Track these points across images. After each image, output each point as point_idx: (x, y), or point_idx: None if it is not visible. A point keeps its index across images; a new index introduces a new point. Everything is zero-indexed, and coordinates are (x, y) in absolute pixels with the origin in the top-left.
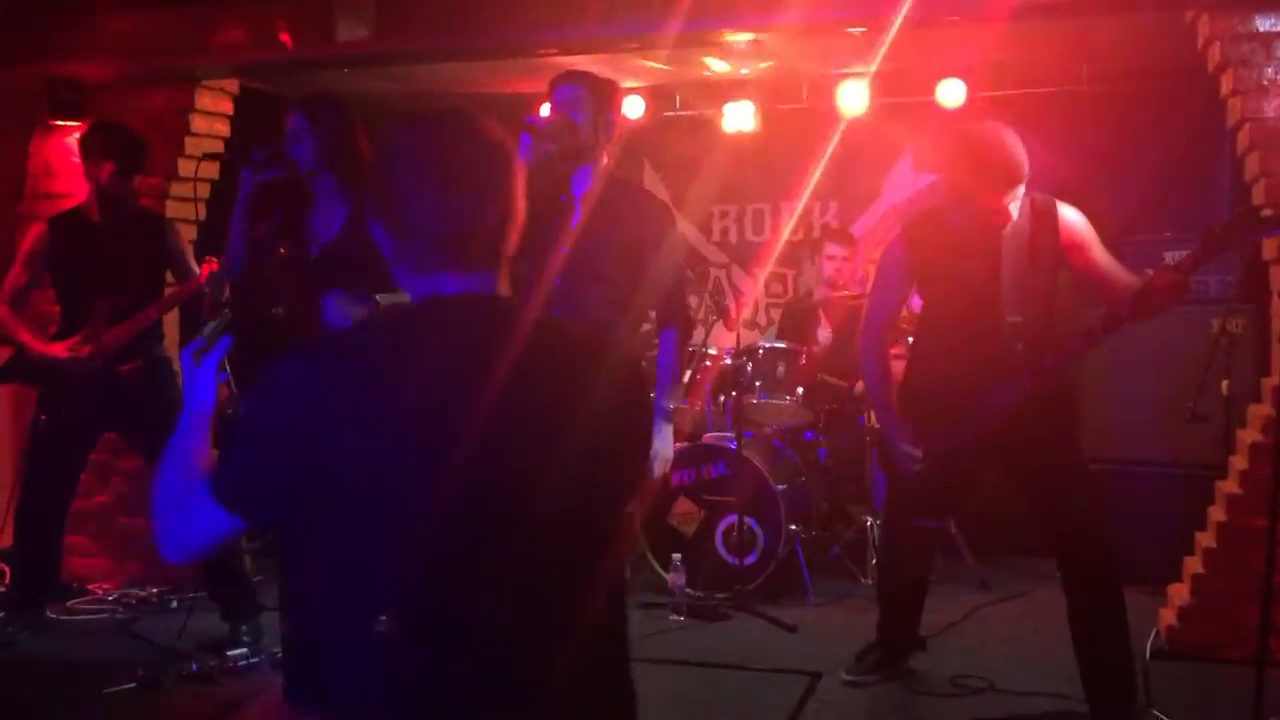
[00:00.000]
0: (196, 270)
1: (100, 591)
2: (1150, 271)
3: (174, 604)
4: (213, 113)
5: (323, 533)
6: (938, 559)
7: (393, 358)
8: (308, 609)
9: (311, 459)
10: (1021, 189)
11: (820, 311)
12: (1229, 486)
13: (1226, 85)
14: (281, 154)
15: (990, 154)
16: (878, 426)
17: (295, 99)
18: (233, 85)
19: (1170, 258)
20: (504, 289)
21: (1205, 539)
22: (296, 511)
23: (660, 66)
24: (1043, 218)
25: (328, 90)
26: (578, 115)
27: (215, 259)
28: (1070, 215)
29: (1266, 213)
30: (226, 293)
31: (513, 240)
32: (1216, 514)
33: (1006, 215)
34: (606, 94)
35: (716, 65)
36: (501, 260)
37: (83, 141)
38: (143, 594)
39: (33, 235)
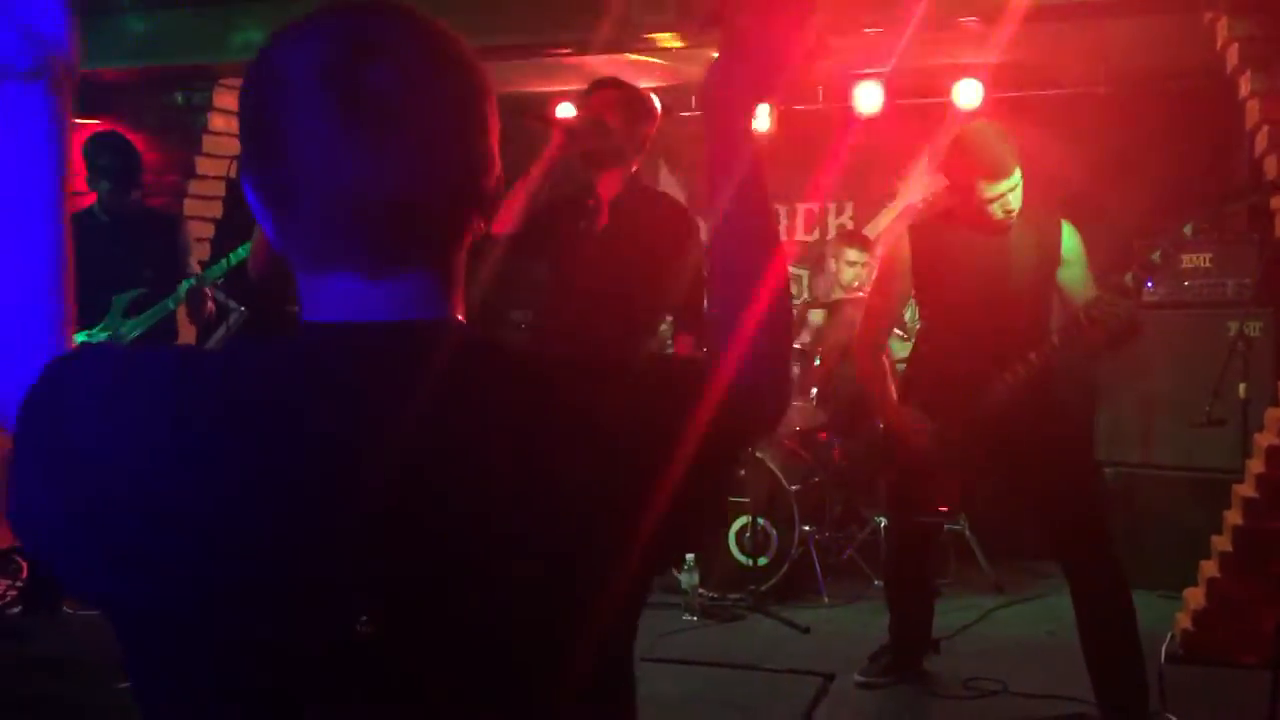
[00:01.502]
0: (195, 271)
1: None
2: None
3: None
4: (231, 111)
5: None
6: (952, 562)
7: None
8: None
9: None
10: (1009, 184)
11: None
12: (1245, 490)
13: (1245, 87)
14: None
15: (973, 146)
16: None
17: None
18: None
19: (1187, 260)
20: (450, 306)
21: (1221, 543)
22: (96, 590)
23: (676, 66)
24: (1048, 230)
25: None
26: (611, 118)
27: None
28: (1070, 231)
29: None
30: (217, 299)
31: (474, 220)
32: (1233, 518)
33: (989, 213)
34: (645, 107)
35: None
36: (449, 252)
37: (83, 153)
38: None
39: None
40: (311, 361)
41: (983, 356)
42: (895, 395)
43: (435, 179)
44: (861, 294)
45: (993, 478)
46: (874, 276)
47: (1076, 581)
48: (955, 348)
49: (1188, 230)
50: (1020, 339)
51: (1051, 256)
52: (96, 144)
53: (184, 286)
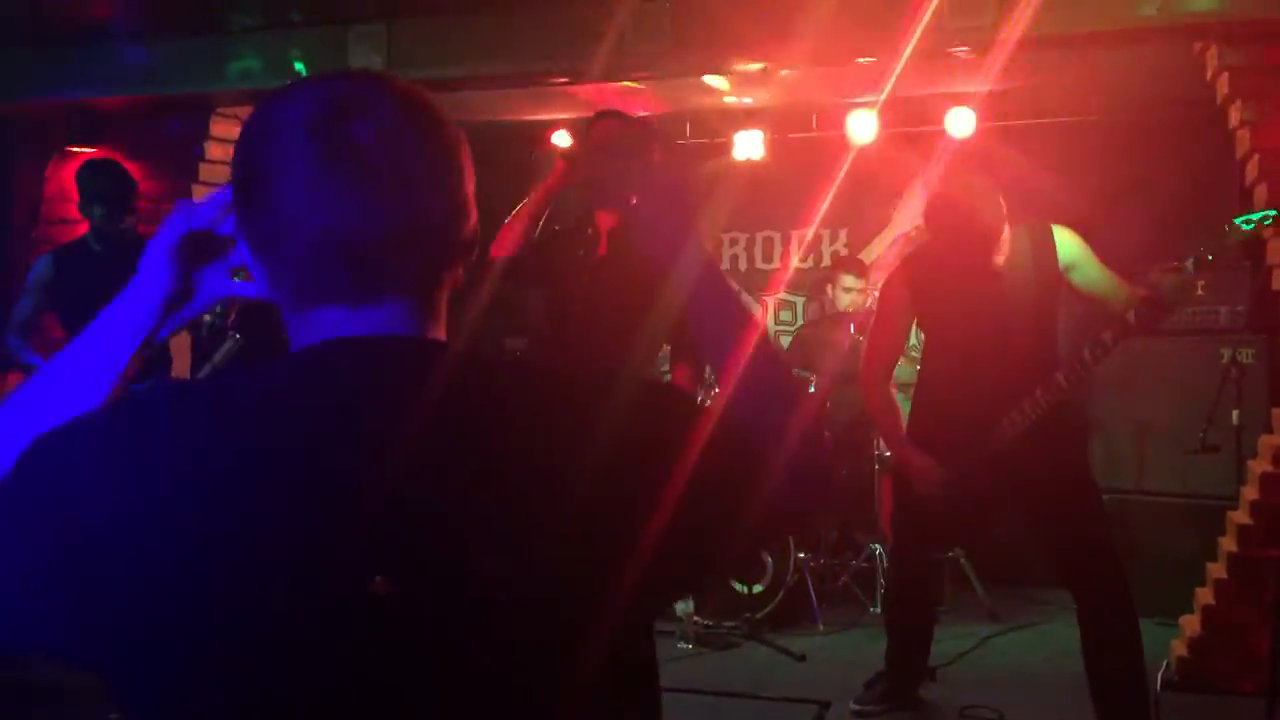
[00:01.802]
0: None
1: None
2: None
3: None
4: (227, 140)
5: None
6: (947, 588)
7: (208, 443)
8: None
9: (84, 573)
10: (1004, 236)
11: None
12: (1240, 517)
13: (1235, 117)
14: None
15: (967, 221)
16: (890, 457)
17: None
18: (247, 113)
19: None
20: (431, 329)
21: (1216, 570)
22: (68, 646)
23: (671, 95)
24: (1040, 241)
25: None
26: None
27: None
28: (1065, 236)
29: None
30: (233, 317)
31: (453, 259)
32: (1227, 544)
33: (993, 266)
34: (645, 137)
35: (726, 94)
36: (428, 285)
37: (76, 179)
38: None
39: (37, 266)
40: (298, 380)
41: (989, 381)
42: (904, 429)
43: (412, 221)
44: (853, 319)
45: (997, 508)
46: (875, 308)
47: (1084, 602)
48: (960, 375)
49: (1189, 264)
50: (1026, 357)
51: (1049, 265)
52: (90, 170)
53: None
